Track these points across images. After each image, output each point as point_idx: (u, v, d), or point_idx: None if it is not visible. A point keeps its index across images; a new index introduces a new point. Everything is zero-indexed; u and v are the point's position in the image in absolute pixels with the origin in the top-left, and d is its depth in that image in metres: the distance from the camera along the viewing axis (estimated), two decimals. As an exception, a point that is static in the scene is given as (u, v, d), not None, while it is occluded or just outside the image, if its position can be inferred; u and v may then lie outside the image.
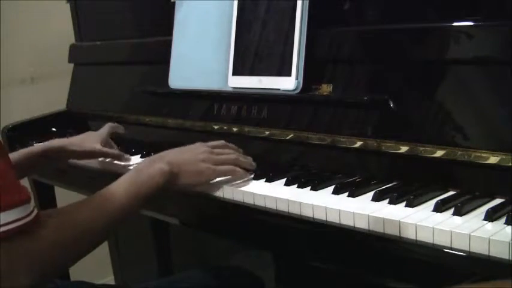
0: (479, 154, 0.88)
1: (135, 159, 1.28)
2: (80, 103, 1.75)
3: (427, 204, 0.86)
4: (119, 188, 0.89)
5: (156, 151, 1.22)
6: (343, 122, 1.07)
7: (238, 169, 1.03)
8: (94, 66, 1.75)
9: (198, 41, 1.33)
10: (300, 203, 0.91)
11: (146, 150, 1.31)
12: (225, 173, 1.02)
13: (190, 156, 1.00)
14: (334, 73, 1.11)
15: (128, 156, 1.28)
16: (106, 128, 1.31)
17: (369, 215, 0.82)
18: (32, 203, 0.73)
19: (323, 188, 0.97)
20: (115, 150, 1.28)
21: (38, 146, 1.22)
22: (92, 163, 1.32)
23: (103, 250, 2.02)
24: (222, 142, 1.08)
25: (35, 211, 0.73)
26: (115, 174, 1.26)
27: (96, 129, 1.66)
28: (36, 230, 0.74)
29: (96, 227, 0.84)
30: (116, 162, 1.27)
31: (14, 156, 1.17)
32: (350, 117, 1.06)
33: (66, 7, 1.80)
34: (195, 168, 0.98)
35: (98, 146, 1.24)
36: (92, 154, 1.24)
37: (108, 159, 1.28)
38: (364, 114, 1.03)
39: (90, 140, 1.26)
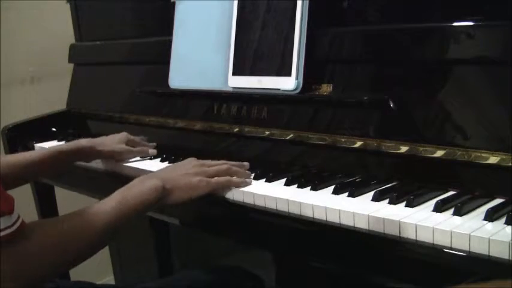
0: (479, 154, 0.88)
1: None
2: (80, 103, 1.75)
3: (427, 204, 0.86)
4: (108, 203, 0.89)
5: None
6: (343, 122, 1.07)
7: (233, 179, 1.02)
8: (94, 66, 1.75)
9: (198, 41, 1.33)
10: (300, 203, 0.91)
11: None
12: (219, 185, 1.01)
13: (183, 171, 1.00)
14: (334, 73, 1.11)
15: (152, 150, 1.30)
16: (131, 136, 1.34)
17: (369, 215, 0.82)
18: (16, 213, 0.74)
19: (323, 188, 0.97)
20: (140, 148, 1.31)
21: (67, 145, 1.25)
22: (91, 163, 1.32)
23: (103, 250, 2.01)
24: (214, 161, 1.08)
25: (19, 221, 0.74)
26: (115, 174, 1.27)
27: (96, 129, 1.67)
28: (21, 240, 0.74)
29: (82, 240, 0.84)
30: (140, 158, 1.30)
31: (41, 153, 1.20)
32: (350, 117, 1.06)
33: (66, 7, 1.80)
34: (188, 182, 0.98)
35: (123, 146, 1.28)
36: (119, 153, 1.27)
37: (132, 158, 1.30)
38: (364, 114, 1.03)
39: (116, 140, 1.29)
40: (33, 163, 1.17)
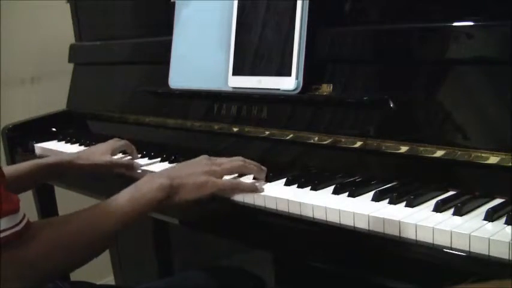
0: (479, 154, 0.88)
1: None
2: (80, 103, 1.75)
3: (427, 204, 0.86)
4: (115, 202, 0.88)
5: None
6: (343, 122, 1.07)
7: (242, 183, 1.00)
8: (94, 66, 1.75)
9: (198, 41, 1.33)
10: (300, 203, 0.91)
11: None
12: (225, 187, 0.98)
13: (192, 169, 0.97)
14: (334, 73, 1.11)
15: (139, 163, 1.24)
16: (118, 142, 1.28)
17: (369, 215, 0.82)
18: (21, 212, 0.74)
19: (323, 188, 0.97)
20: (125, 160, 1.26)
21: (46, 160, 1.19)
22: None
23: (103, 250, 2.01)
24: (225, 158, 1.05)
25: (25, 220, 0.74)
26: (114, 174, 1.27)
27: (96, 129, 1.67)
28: (27, 239, 0.74)
29: (88, 239, 0.83)
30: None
31: (20, 167, 1.15)
32: (350, 117, 1.06)
33: (66, 7, 1.80)
34: (196, 181, 0.95)
35: (107, 158, 1.21)
36: (102, 166, 1.21)
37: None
38: (364, 114, 1.03)
39: (99, 151, 1.23)
40: (10, 177, 1.09)
